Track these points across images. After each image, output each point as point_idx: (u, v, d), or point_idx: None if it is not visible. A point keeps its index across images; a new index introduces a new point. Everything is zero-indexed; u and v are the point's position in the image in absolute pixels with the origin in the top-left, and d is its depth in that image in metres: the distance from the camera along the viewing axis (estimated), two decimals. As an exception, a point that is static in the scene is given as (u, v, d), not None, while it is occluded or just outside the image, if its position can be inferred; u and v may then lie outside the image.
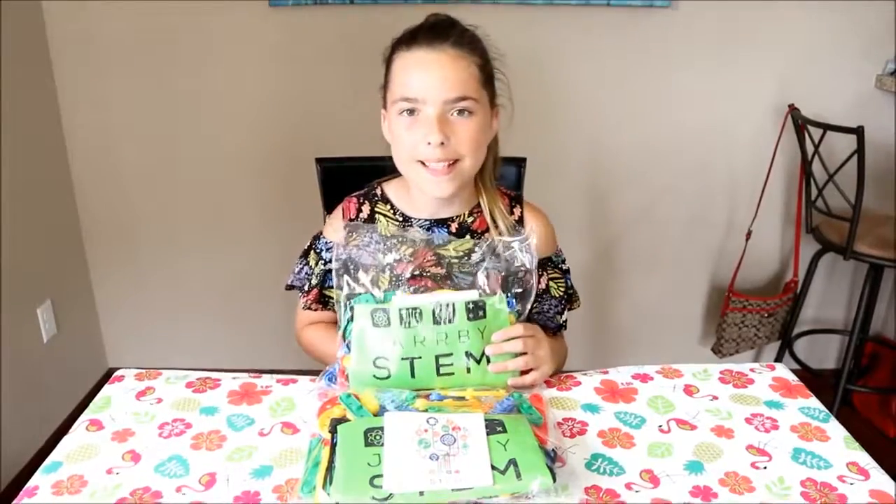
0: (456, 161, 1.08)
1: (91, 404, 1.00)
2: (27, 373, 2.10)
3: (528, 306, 1.06)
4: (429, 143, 1.05)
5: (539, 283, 1.20)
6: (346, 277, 1.04)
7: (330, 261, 1.07)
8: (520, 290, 1.05)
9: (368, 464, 0.80)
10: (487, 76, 1.10)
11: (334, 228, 1.20)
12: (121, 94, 2.26)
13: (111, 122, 2.30)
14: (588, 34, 2.23)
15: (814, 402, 1.03)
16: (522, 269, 1.05)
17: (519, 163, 1.48)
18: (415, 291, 1.04)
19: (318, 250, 1.23)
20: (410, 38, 1.07)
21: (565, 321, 1.26)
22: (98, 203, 2.39)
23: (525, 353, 1.02)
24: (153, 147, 2.33)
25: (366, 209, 1.21)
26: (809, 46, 2.27)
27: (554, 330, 1.25)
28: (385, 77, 1.11)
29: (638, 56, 2.26)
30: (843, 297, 2.63)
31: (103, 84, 2.25)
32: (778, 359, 2.46)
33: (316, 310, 1.23)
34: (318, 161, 1.50)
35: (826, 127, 2.01)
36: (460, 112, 1.06)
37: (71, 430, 0.94)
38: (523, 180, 1.50)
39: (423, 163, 1.08)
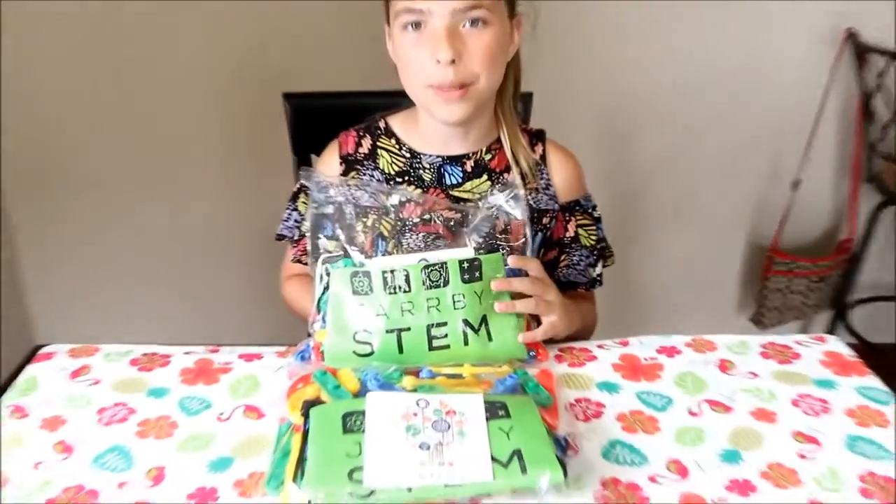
0: (471, 83, 1.07)
1: (13, 386, 1.00)
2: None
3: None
4: (438, 62, 1.05)
5: (566, 230, 1.23)
6: (323, 237, 1.03)
7: (322, 203, 1.08)
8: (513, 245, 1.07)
9: (347, 454, 0.80)
10: None
11: (327, 165, 1.23)
12: (52, 14, 2.21)
13: (37, 53, 2.26)
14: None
15: (873, 381, 1.03)
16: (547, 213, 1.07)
17: (525, 98, 1.47)
18: (424, 239, 1.06)
19: (308, 191, 1.21)
20: None
21: (600, 275, 1.27)
22: (21, 150, 2.37)
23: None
24: (83, 83, 2.31)
25: (366, 143, 1.22)
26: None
27: (586, 285, 1.26)
28: None
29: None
30: (905, 258, 2.65)
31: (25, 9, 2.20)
32: (830, 331, 2.48)
33: (307, 262, 1.21)
34: (287, 97, 1.49)
35: (892, 55, 2.02)
36: (473, 23, 1.05)
37: (-10, 418, 0.94)
38: (530, 119, 1.51)
39: (434, 88, 1.08)
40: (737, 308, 2.69)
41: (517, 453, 0.81)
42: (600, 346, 1.10)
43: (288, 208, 1.27)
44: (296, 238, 1.25)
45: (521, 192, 1.08)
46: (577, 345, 1.11)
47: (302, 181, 1.21)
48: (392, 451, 0.81)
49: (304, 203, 1.23)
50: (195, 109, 2.36)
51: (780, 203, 2.50)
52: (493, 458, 0.80)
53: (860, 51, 2.14)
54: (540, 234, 1.22)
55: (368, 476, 0.78)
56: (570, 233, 1.23)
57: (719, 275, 2.67)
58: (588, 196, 1.27)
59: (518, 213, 1.06)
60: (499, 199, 1.07)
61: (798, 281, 2.43)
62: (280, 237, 1.28)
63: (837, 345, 1.12)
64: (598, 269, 1.27)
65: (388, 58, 1.17)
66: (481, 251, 1.03)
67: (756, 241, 2.61)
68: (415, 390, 0.90)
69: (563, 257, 1.24)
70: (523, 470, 0.80)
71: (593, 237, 1.25)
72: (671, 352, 1.09)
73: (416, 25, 1.06)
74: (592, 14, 2.28)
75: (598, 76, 2.37)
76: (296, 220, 1.25)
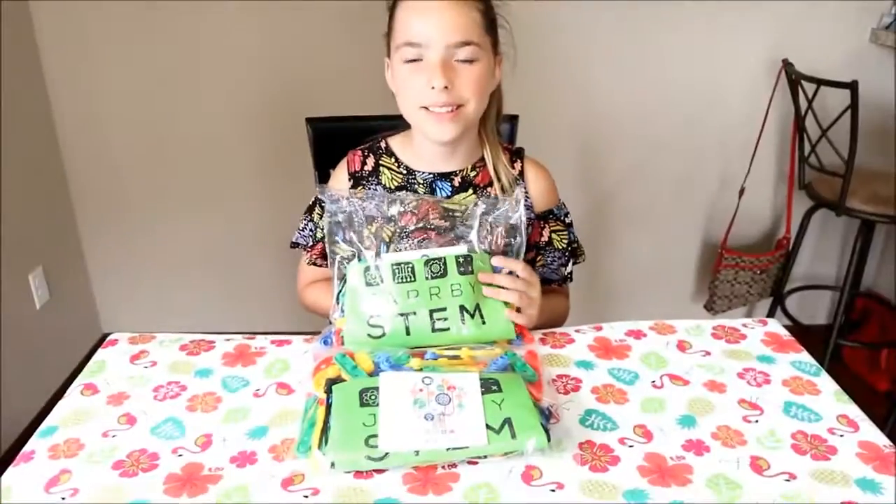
0: (459, 106, 1.08)
1: (85, 369, 1.00)
2: (22, 339, 2.10)
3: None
4: (433, 88, 1.05)
5: (542, 235, 1.22)
6: (338, 241, 1.04)
7: (334, 213, 1.07)
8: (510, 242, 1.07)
9: (364, 424, 0.81)
10: (490, 21, 1.10)
11: (338, 181, 1.22)
12: (107, 57, 2.23)
13: (98, 87, 2.27)
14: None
15: (805, 357, 1.03)
16: (516, 225, 1.06)
17: (512, 120, 1.47)
18: (419, 243, 1.06)
19: (323, 204, 1.20)
20: None
21: (570, 273, 1.27)
22: (86, 168, 2.37)
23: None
24: (140, 110, 2.31)
25: (370, 162, 1.21)
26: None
27: (559, 282, 1.26)
28: (388, 24, 1.11)
29: (629, 11, 2.24)
30: (834, 253, 2.66)
31: (88, 49, 2.22)
32: (770, 315, 2.48)
33: (321, 265, 1.23)
34: (309, 121, 1.48)
35: (819, 82, 2.00)
36: (464, 59, 1.06)
37: (66, 395, 0.95)
38: (516, 137, 1.50)
39: (427, 108, 1.08)
40: (692, 297, 2.68)
41: (507, 421, 0.81)
42: (577, 331, 1.10)
43: (303, 219, 1.26)
44: (309, 245, 1.24)
45: (521, 197, 1.07)
46: (558, 330, 1.11)
47: (318, 195, 1.22)
48: (402, 421, 0.81)
49: (319, 214, 1.22)
50: (235, 131, 2.36)
51: (728, 208, 2.48)
52: (487, 426, 0.81)
53: (794, 78, 2.11)
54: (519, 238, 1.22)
55: (382, 441, 0.79)
56: (545, 238, 1.23)
57: (677, 269, 2.66)
58: (560, 205, 1.26)
59: (515, 218, 1.06)
60: (504, 206, 1.06)
61: (744, 273, 2.42)
62: (294, 245, 1.28)
63: (776, 326, 1.11)
64: (569, 268, 1.26)
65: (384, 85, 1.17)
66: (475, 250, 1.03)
67: (708, 241, 2.60)
68: (420, 370, 0.90)
69: (538, 258, 1.24)
70: (513, 436, 0.80)
71: (564, 241, 1.24)
72: (637, 335, 1.09)
73: (415, 58, 1.06)
74: (570, 48, 2.29)
75: (573, 101, 2.37)
76: (311, 230, 1.24)
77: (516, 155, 1.24)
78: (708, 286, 2.50)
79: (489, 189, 1.19)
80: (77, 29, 2.18)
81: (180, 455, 0.83)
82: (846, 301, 2.27)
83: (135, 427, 0.88)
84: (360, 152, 1.23)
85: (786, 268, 2.43)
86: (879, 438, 0.86)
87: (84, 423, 0.88)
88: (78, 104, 2.28)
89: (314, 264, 1.25)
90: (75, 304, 2.44)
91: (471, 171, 1.19)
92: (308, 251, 1.25)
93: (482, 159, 1.20)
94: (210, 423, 0.89)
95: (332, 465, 0.78)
